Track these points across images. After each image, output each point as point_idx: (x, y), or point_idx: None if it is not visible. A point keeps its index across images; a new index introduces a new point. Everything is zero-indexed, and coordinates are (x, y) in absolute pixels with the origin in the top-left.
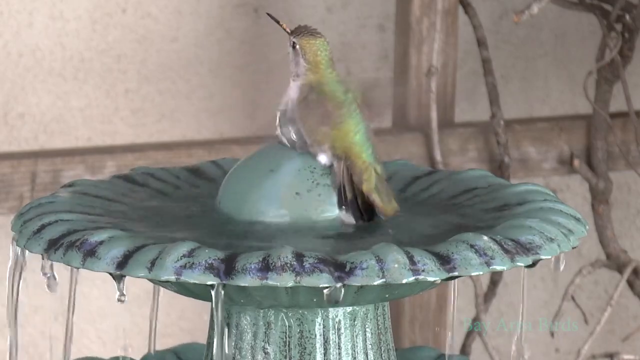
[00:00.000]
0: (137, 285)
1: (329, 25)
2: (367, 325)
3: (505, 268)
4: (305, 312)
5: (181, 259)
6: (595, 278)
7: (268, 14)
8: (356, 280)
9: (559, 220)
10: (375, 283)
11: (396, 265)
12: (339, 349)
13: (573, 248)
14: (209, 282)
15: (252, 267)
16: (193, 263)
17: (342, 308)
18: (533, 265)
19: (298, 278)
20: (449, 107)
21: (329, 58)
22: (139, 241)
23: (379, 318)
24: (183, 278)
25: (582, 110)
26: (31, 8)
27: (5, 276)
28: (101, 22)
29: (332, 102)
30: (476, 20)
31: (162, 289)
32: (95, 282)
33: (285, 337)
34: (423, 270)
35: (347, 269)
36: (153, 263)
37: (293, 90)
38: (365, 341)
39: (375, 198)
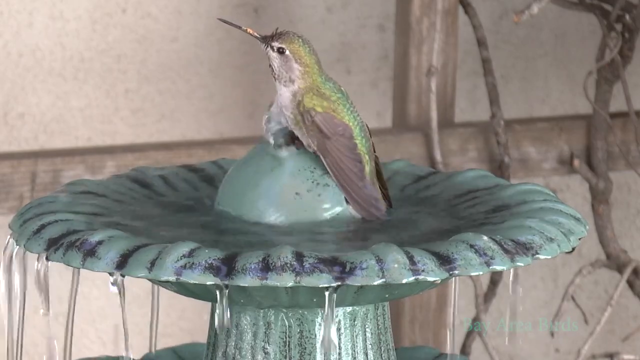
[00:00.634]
0: (137, 285)
1: (329, 25)
2: (367, 325)
3: (505, 268)
4: (305, 312)
5: (181, 259)
6: (595, 278)
7: (221, 19)
8: (356, 280)
9: (559, 220)
10: (375, 283)
11: (396, 265)
12: (339, 349)
13: (572, 249)
14: (209, 282)
15: (252, 267)
16: (193, 263)
17: (342, 308)
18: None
19: (298, 278)
20: (449, 107)
21: (316, 58)
22: (139, 241)
23: (379, 318)
24: (183, 278)
25: (582, 110)
26: (31, 8)
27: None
28: (101, 22)
29: (330, 101)
30: (476, 20)
31: (162, 288)
32: (95, 282)
33: (285, 337)
34: (423, 270)
35: (347, 269)
36: (153, 263)
37: (284, 98)
38: (365, 341)
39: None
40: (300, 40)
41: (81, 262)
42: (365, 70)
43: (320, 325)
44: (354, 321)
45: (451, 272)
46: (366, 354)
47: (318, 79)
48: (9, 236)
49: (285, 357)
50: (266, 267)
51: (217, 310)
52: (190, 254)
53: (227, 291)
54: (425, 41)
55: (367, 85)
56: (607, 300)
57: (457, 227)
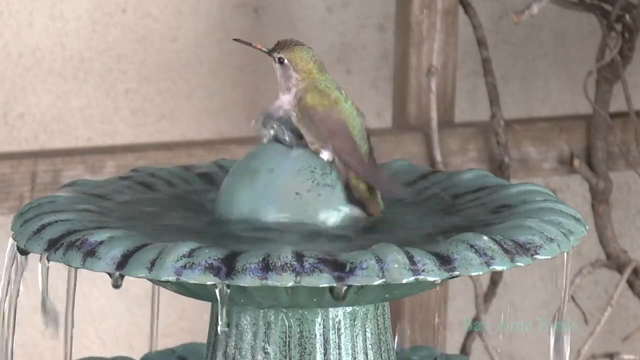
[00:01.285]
0: (137, 285)
1: (329, 25)
2: (367, 325)
3: (505, 268)
4: (305, 312)
5: (181, 259)
6: (595, 278)
7: (236, 39)
8: (356, 280)
9: (559, 220)
10: (375, 283)
11: (396, 265)
12: (339, 349)
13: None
14: (209, 282)
15: (252, 267)
16: (193, 263)
17: (342, 308)
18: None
19: (298, 278)
20: (449, 107)
21: (319, 62)
22: (139, 241)
23: (379, 318)
24: (183, 278)
25: (582, 110)
26: (31, 8)
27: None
28: (101, 22)
29: (328, 99)
30: (476, 20)
31: (162, 288)
32: (95, 282)
33: (285, 337)
34: (423, 270)
35: (347, 269)
36: (153, 263)
37: (285, 102)
38: (365, 341)
39: (362, 195)
40: (297, 47)
41: (81, 262)
42: (365, 70)
43: (320, 325)
44: (354, 321)
45: (451, 272)
46: (366, 354)
47: (316, 81)
48: (11, 237)
49: (285, 357)
50: (266, 267)
51: (219, 311)
52: (190, 254)
53: (228, 291)
54: (425, 41)
55: (367, 85)
56: (607, 300)
57: (457, 227)
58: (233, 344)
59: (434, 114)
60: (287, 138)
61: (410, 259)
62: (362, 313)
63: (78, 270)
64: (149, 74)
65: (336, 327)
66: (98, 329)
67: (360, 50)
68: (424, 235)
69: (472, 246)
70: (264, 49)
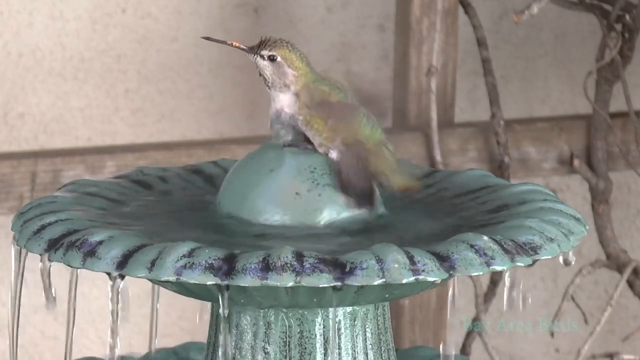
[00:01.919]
0: (137, 285)
1: (329, 25)
2: (367, 325)
3: (505, 268)
4: (305, 312)
5: (181, 259)
6: (595, 278)
7: (206, 38)
8: (356, 280)
9: (559, 220)
10: (375, 283)
11: (396, 265)
12: (339, 349)
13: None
14: (209, 282)
15: (252, 267)
16: (193, 263)
17: (342, 308)
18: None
19: (298, 278)
20: (449, 107)
21: (306, 60)
22: (139, 241)
23: (379, 318)
24: (183, 278)
25: (582, 110)
26: (31, 8)
27: (5, 276)
28: (101, 22)
29: (335, 97)
30: (476, 20)
31: (162, 288)
32: (95, 282)
33: (286, 337)
34: (423, 270)
35: (347, 269)
36: (153, 263)
37: (284, 102)
38: (365, 341)
39: (392, 177)
40: (288, 45)
41: (81, 262)
42: (365, 70)
43: (320, 325)
44: (354, 321)
45: (451, 272)
46: (366, 354)
47: (312, 80)
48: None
49: (285, 357)
50: (266, 267)
51: (220, 311)
52: (191, 254)
53: (228, 291)
54: (425, 41)
55: (367, 85)
56: (607, 300)
57: (457, 227)
58: (233, 344)
59: (434, 114)
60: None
61: (411, 259)
62: (362, 313)
63: (78, 270)
64: (149, 74)
65: (336, 327)
66: (98, 329)
67: (360, 50)
68: (424, 235)
69: (472, 246)
70: (242, 46)
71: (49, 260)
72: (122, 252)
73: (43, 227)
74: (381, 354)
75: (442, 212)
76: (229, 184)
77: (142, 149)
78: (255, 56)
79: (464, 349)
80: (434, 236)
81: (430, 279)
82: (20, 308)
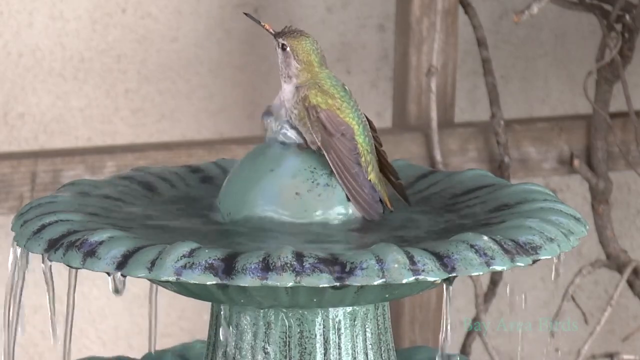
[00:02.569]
0: (137, 285)
1: (329, 25)
2: (367, 325)
3: (505, 268)
4: (305, 312)
5: (181, 259)
6: (595, 278)
7: (246, 14)
8: (356, 280)
9: (559, 220)
10: (375, 283)
11: (396, 265)
12: (339, 349)
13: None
14: (209, 282)
15: (252, 267)
16: (193, 263)
17: (342, 308)
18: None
19: (298, 278)
20: (449, 107)
21: (320, 56)
22: (139, 241)
23: (379, 318)
24: (183, 278)
25: (582, 110)
26: (31, 8)
27: (5, 276)
28: (101, 22)
29: (333, 98)
30: (476, 20)
31: (161, 288)
32: (95, 282)
33: (285, 337)
34: (423, 270)
35: (347, 269)
36: (153, 263)
37: (286, 93)
38: (365, 341)
39: (380, 189)
40: (302, 37)
41: (81, 262)
42: (365, 70)
43: (320, 325)
44: (354, 321)
45: (451, 272)
46: (366, 354)
47: (319, 76)
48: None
49: (285, 357)
50: (266, 267)
51: (221, 311)
52: (190, 254)
53: (224, 292)
54: (425, 41)
55: (367, 85)
56: (607, 300)
57: (457, 227)
58: (233, 344)
59: (434, 114)
60: (288, 137)
61: (410, 259)
62: (362, 313)
63: (78, 270)
64: (149, 74)
65: (336, 327)
66: (98, 329)
67: (360, 50)
68: (424, 235)
69: (472, 246)
70: (271, 30)
71: (49, 260)
72: (122, 252)
73: (43, 227)
74: (381, 354)
75: (442, 212)
76: (230, 184)
77: (142, 149)
78: (275, 42)
79: (464, 349)
80: (434, 236)
81: (430, 279)
82: (20, 308)
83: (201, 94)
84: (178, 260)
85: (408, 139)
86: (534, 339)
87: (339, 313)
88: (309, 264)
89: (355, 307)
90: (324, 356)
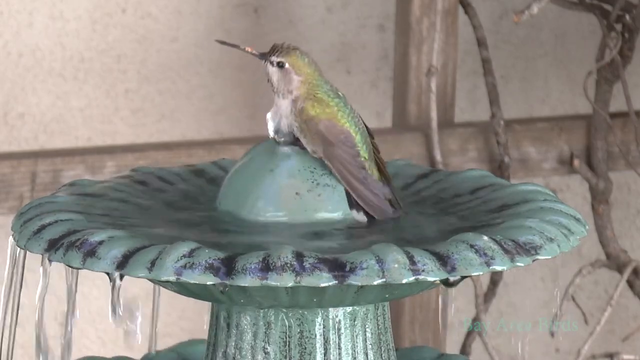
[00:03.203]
0: (137, 285)
1: (329, 25)
2: (367, 325)
3: (505, 268)
4: (305, 312)
5: (181, 259)
6: (595, 278)
7: (220, 41)
8: (356, 280)
9: (559, 220)
10: (375, 283)
11: (396, 265)
12: (339, 349)
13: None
14: (209, 282)
15: (252, 267)
16: (193, 263)
17: (342, 308)
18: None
19: (298, 278)
20: (449, 107)
21: (314, 64)
22: (139, 241)
23: (379, 318)
24: (183, 278)
25: (582, 110)
26: (31, 8)
27: (5, 276)
28: (101, 22)
29: (329, 107)
30: (476, 20)
31: (162, 288)
32: (95, 282)
33: (286, 337)
34: (423, 270)
35: (347, 268)
36: (153, 263)
37: (284, 108)
38: (365, 341)
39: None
40: (297, 51)
41: (81, 262)
42: (365, 70)
43: (320, 325)
44: (354, 321)
45: (451, 272)
46: (366, 354)
47: (315, 86)
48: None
49: (285, 357)
50: (266, 267)
51: (221, 311)
52: (191, 254)
53: (228, 291)
54: (425, 41)
55: (367, 85)
56: (607, 300)
57: (457, 227)
58: (233, 344)
59: (434, 114)
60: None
61: (410, 259)
62: (362, 313)
63: (78, 270)
64: (149, 74)
65: (336, 327)
66: (98, 329)
67: (360, 50)
68: (424, 235)
69: (472, 246)
70: (254, 52)
71: (49, 260)
72: (122, 252)
73: (43, 227)
74: (381, 354)
75: (442, 212)
76: (229, 184)
77: (142, 149)
78: (266, 62)
79: (464, 349)
80: (434, 236)
81: (430, 279)
82: (20, 308)
83: (201, 94)
84: (178, 260)
85: (408, 139)
86: (534, 339)
87: (339, 313)
88: (309, 264)
89: (355, 307)
90: (324, 356)
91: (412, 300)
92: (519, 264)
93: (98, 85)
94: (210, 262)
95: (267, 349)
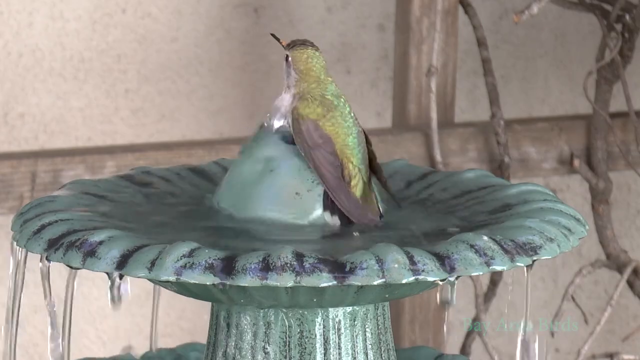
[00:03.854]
0: (137, 285)
1: (329, 25)
2: (367, 325)
3: (505, 268)
4: (305, 312)
5: (181, 259)
6: (595, 278)
7: (272, 35)
8: (356, 280)
9: (559, 220)
10: (375, 283)
11: (396, 265)
12: (339, 349)
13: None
14: (209, 282)
15: (252, 267)
16: (193, 263)
17: (342, 308)
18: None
19: (298, 278)
20: (449, 107)
21: (321, 66)
22: (139, 241)
23: (378, 318)
24: (183, 278)
25: (582, 110)
26: (31, 8)
27: (5, 276)
28: (101, 22)
29: (322, 108)
30: (476, 20)
31: (162, 288)
32: (95, 282)
33: (286, 337)
34: (423, 270)
35: (347, 269)
36: (153, 263)
37: (285, 102)
38: (365, 341)
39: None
40: (302, 48)
41: (81, 262)
42: (365, 70)
43: (320, 325)
44: (354, 321)
45: (451, 272)
46: (366, 354)
47: (314, 85)
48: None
49: (285, 357)
50: (266, 267)
51: (221, 311)
52: (190, 254)
53: (228, 291)
54: (425, 41)
55: (367, 85)
56: (607, 300)
57: (457, 227)
58: (233, 344)
59: (434, 114)
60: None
61: (410, 259)
62: (362, 313)
63: (78, 270)
64: (149, 74)
65: (336, 327)
66: (98, 329)
67: (360, 50)
68: (424, 235)
69: (472, 246)
70: (284, 44)
71: (47, 260)
72: (122, 252)
73: (43, 227)
74: (381, 354)
75: (442, 212)
76: (229, 184)
77: (142, 149)
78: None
79: (464, 349)
80: (434, 236)
81: (430, 279)
82: (20, 308)
83: (201, 94)
84: (178, 260)
85: (408, 139)
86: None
87: (339, 313)
88: (309, 264)
89: (355, 307)
90: (324, 356)
91: (412, 300)
92: (518, 264)
93: (98, 85)
94: (210, 262)
95: (267, 349)
